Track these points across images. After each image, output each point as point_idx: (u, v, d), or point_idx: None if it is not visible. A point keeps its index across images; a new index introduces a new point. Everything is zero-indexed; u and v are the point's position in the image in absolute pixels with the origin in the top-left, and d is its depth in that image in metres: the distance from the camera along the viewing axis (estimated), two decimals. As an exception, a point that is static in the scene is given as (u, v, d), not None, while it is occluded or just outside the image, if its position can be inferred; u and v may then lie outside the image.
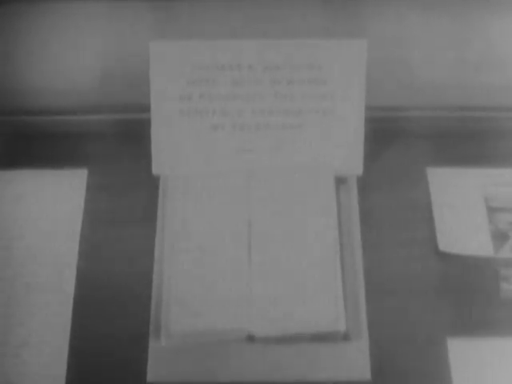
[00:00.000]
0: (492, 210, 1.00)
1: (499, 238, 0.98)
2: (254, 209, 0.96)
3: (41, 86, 1.06)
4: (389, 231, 0.99)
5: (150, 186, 1.00)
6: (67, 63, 1.05)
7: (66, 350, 0.91)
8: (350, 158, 0.99)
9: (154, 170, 1.00)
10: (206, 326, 0.89)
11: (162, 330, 0.89)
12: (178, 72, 0.97)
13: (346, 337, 0.89)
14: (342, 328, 0.89)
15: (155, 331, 0.90)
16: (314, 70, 0.97)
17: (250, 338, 0.89)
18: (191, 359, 0.89)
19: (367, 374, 0.88)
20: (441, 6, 1.02)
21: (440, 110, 1.05)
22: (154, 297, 0.92)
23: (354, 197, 1.00)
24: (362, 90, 0.97)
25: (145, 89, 0.97)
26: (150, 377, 0.88)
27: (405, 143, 1.05)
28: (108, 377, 0.89)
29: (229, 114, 0.98)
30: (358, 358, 0.89)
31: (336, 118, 0.98)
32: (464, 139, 1.05)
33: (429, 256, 0.97)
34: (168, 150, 0.99)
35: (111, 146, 1.05)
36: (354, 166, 0.99)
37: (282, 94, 0.98)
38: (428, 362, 0.90)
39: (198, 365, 0.89)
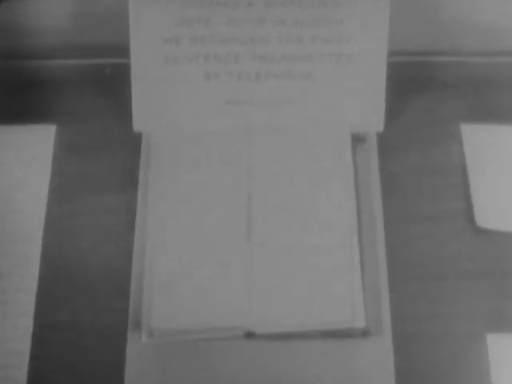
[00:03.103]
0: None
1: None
2: (254, 176, 0.91)
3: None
4: (416, 202, 0.92)
5: (130, 145, 0.94)
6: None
7: (28, 344, 0.84)
8: (370, 112, 0.94)
9: (135, 127, 0.94)
10: (195, 321, 0.84)
11: (143, 324, 0.83)
12: (164, 10, 0.91)
13: (365, 333, 0.84)
14: (361, 324, 0.83)
15: (134, 325, 0.84)
16: (328, 8, 0.91)
17: (249, 336, 0.84)
18: (177, 360, 0.83)
19: (390, 377, 0.82)
20: None
21: (478, 56, 0.99)
22: (134, 283, 0.86)
23: (373, 160, 0.93)
24: (384, 31, 0.91)
25: (124, 28, 0.91)
26: (128, 379, 0.81)
27: (434, 94, 0.99)
28: (77, 376, 0.83)
29: (224, 60, 0.92)
30: (379, 357, 0.83)
31: (353, 64, 0.92)
32: (507, 90, 0.99)
33: (464, 233, 0.90)
34: (151, 103, 0.94)
35: (84, 97, 0.99)
36: (374, 121, 0.94)
37: (287, 37, 0.92)
38: (463, 361, 0.83)
39: (184, 367, 0.83)
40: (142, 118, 0.94)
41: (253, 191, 0.89)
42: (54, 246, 0.89)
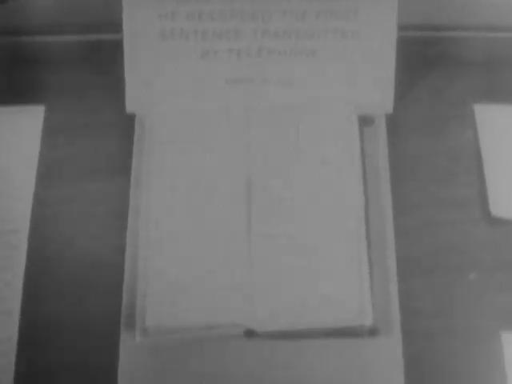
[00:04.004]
0: None
1: None
2: (254, 162, 0.89)
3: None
4: (426, 189, 0.90)
5: (123, 127, 0.93)
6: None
7: (13, 344, 0.82)
8: (378, 92, 0.92)
9: (128, 108, 0.93)
10: (191, 319, 0.82)
11: (137, 321, 0.82)
12: (159, -18, 0.91)
13: (373, 331, 0.82)
14: (368, 322, 0.82)
15: (127, 323, 0.83)
16: (334, -21, 0.90)
17: (249, 334, 0.82)
18: (173, 360, 0.82)
19: (400, 378, 0.80)
20: None
21: (493, 31, 0.96)
22: (127, 277, 0.85)
23: (382, 143, 0.92)
24: (393, 4, 0.89)
25: (116, 3, 0.90)
26: (121, 382, 0.80)
27: (447, 73, 0.97)
28: (66, 379, 0.82)
29: (223, 36, 0.91)
30: (387, 357, 0.81)
31: (360, 41, 0.91)
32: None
33: (478, 222, 0.88)
34: (145, 83, 0.92)
35: (74, 76, 0.97)
36: (383, 102, 0.92)
37: (291, 11, 0.90)
38: (476, 360, 0.82)
39: (181, 368, 0.81)
40: (135, 98, 0.92)
41: (253, 177, 0.88)
42: (42, 236, 0.88)
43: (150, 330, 0.81)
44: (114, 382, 0.80)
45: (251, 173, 0.88)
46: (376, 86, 0.92)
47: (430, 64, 0.97)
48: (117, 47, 0.90)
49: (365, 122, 0.92)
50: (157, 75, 0.92)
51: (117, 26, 0.90)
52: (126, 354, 0.81)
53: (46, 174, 0.91)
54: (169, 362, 0.81)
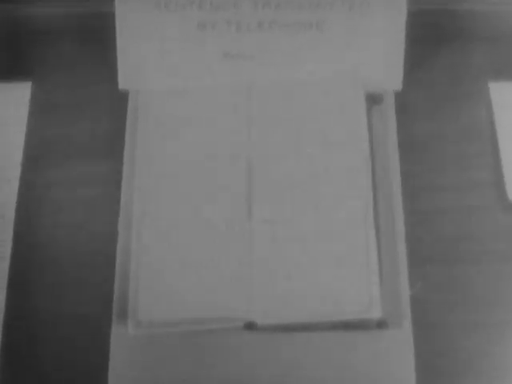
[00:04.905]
0: None
1: None
2: (255, 142, 0.88)
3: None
4: (438, 173, 0.88)
5: (115, 105, 0.91)
6: None
7: None
8: (387, 68, 0.91)
9: (121, 84, 0.91)
10: (187, 311, 0.81)
11: (129, 313, 0.81)
12: None
13: (381, 324, 0.80)
14: (377, 314, 0.80)
15: (120, 314, 0.81)
16: None
17: (250, 327, 0.81)
18: (167, 355, 0.80)
19: (410, 374, 0.78)
20: None
21: (510, 4, 0.94)
22: (120, 266, 0.83)
23: (391, 123, 0.90)
24: None
25: None
26: (112, 376, 0.79)
27: (460, 48, 0.95)
28: (54, 374, 0.80)
29: (221, 7, 0.89)
30: (397, 351, 0.80)
31: (367, 12, 0.89)
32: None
33: (493, 208, 0.86)
34: (139, 57, 0.91)
35: (63, 51, 0.95)
36: (392, 78, 0.91)
37: None
38: (492, 354, 0.80)
39: (175, 363, 0.80)
40: (128, 74, 0.91)
41: (253, 159, 0.86)
42: (29, 222, 0.87)
43: (143, 322, 0.80)
44: (104, 376, 0.79)
45: (252, 153, 0.87)
46: (384, 62, 0.90)
47: (443, 38, 0.95)
48: (109, 18, 0.89)
49: (373, 99, 0.91)
50: (151, 49, 0.90)
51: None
52: (117, 346, 0.80)
53: (34, 156, 0.90)
54: (162, 356, 0.80)
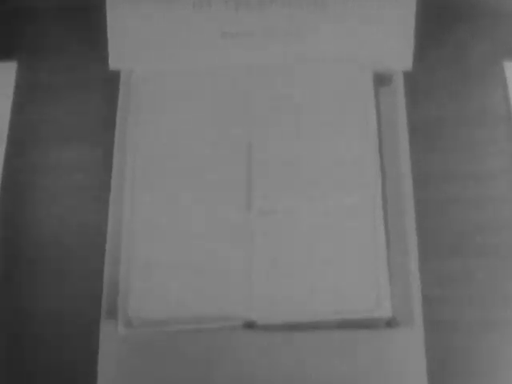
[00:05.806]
0: None
1: None
2: (255, 125, 0.85)
3: None
4: (450, 160, 0.86)
5: (106, 86, 0.90)
6: None
7: None
8: (396, 47, 0.88)
9: (112, 64, 0.90)
10: (181, 309, 0.78)
11: (119, 311, 0.79)
12: None
13: (391, 323, 0.78)
14: (387, 313, 0.77)
15: (109, 312, 0.79)
16: None
17: (249, 326, 0.78)
18: (159, 355, 0.78)
19: (422, 374, 0.76)
20: None
21: None
22: (109, 261, 0.81)
23: (400, 105, 0.88)
24: None
25: None
26: (101, 377, 0.76)
27: (473, 26, 0.93)
28: (41, 375, 0.77)
29: None
30: (408, 351, 0.77)
31: None
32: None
33: (509, 198, 0.84)
34: (131, 36, 0.90)
35: (50, 29, 0.94)
36: (401, 58, 0.89)
37: None
38: (509, 355, 0.77)
39: (168, 364, 0.77)
40: (119, 53, 0.90)
41: (254, 144, 0.84)
42: (12, 210, 0.85)
43: (134, 320, 0.78)
44: (93, 377, 0.76)
45: (252, 138, 0.84)
46: (393, 41, 0.87)
47: (455, 15, 0.93)
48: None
49: (381, 80, 0.89)
50: (143, 27, 0.89)
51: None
52: (106, 346, 0.78)
53: (19, 139, 0.87)
54: (154, 356, 0.78)
